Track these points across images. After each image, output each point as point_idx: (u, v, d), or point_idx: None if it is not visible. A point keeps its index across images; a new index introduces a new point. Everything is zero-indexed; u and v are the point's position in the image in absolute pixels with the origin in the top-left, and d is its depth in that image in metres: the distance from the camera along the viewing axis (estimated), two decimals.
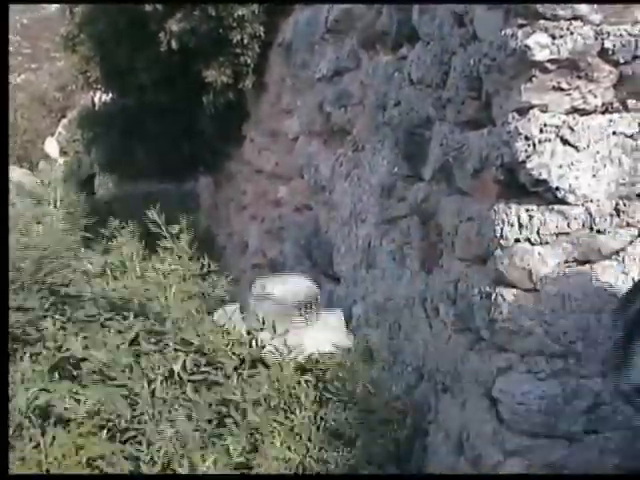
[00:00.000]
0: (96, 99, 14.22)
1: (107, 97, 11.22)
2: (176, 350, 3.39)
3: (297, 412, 3.38)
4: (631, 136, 2.80)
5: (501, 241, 2.88)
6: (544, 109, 2.78)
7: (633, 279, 2.84)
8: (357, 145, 4.75)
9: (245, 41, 6.87)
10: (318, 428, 3.39)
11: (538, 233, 2.81)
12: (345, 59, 5.03)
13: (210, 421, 3.22)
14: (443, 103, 3.44)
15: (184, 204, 11.12)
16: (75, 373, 3.32)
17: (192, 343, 3.45)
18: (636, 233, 2.85)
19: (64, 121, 20.76)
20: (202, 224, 11.17)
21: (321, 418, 3.42)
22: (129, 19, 7.87)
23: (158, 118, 8.63)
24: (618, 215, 2.82)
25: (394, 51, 4.19)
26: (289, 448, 3.26)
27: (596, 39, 2.72)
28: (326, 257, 5.24)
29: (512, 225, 2.85)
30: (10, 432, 2.95)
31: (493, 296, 2.95)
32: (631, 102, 2.81)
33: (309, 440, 3.33)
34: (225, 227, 9.83)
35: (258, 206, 7.72)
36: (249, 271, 7.44)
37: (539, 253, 2.83)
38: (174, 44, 7.07)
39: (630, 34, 2.73)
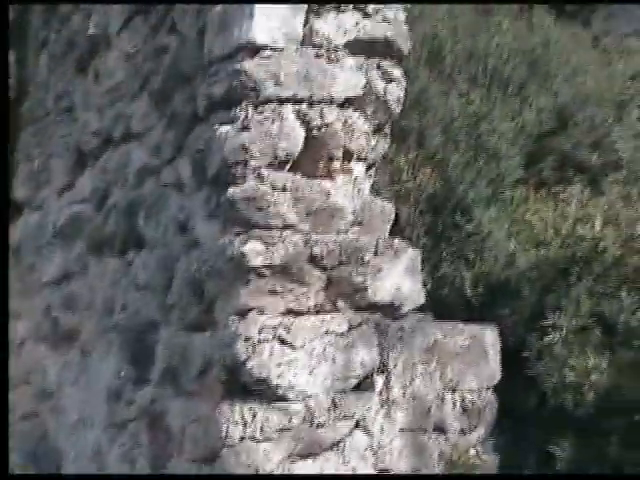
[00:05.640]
0: None
1: None
2: None
3: None
4: (342, 334, 3.02)
5: (227, 440, 2.93)
6: (262, 311, 2.95)
7: (354, 469, 2.99)
8: (85, 349, 4.68)
9: None
10: None
11: (262, 430, 2.90)
12: (73, 263, 5.01)
13: None
14: (168, 307, 3.52)
15: None
16: None
17: None
18: (353, 425, 3.02)
19: None
20: None
21: None
22: None
23: None
24: (335, 408, 2.98)
25: (121, 256, 4.26)
26: None
27: (305, 246, 2.96)
28: (54, 465, 4.99)
29: (237, 424, 2.92)
30: None
31: None
32: (340, 303, 3.05)
33: None
34: None
35: None
36: None
37: (264, 450, 2.90)
38: None
39: (335, 242, 3.00)
